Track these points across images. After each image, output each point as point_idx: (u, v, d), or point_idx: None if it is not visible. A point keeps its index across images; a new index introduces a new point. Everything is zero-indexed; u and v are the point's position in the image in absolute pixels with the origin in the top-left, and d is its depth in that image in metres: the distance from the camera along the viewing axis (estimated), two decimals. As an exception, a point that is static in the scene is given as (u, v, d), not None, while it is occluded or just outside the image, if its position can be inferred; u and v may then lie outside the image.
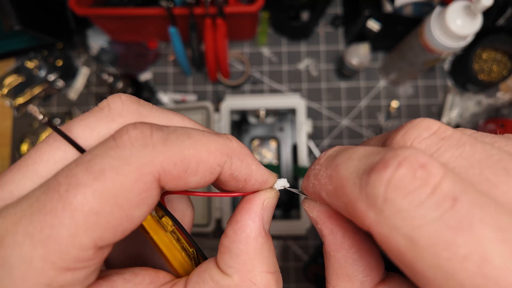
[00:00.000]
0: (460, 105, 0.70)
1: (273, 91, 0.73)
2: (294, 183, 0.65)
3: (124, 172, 0.13)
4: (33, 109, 0.15)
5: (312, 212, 0.17)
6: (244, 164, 0.17)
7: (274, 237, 0.70)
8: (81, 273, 0.13)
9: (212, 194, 0.19)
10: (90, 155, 0.13)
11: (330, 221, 0.17)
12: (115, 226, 0.13)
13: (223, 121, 0.63)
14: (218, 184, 0.18)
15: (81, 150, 0.15)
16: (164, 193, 0.18)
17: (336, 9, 0.75)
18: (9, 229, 0.13)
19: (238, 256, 0.16)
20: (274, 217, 0.65)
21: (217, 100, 0.72)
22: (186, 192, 0.19)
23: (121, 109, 0.16)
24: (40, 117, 0.15)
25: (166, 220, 0.19)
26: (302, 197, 0.23)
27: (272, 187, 0.19)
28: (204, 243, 0.68)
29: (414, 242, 0.10)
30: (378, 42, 0.69)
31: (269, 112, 0.67)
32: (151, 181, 0.14)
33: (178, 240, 0.19)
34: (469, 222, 0.10)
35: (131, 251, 0.21)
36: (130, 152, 0.13)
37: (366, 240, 0.16)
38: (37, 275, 0.12)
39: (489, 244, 0.10)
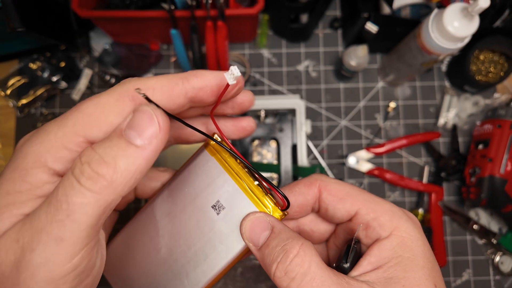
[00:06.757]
0: (457, 105, 0.70)
1: (273, 92, 0.74)
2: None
3: (110, 94, 0.21)
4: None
5: None
6: (198, 75, 0.23)
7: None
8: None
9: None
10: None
11: None
12: (104, 126, 0.20)
13: (223, 121, 0.64)
14: (198, 101, 0.23)
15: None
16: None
17: (335, 12, 0.76)
18: None
19: None
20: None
21: (218, 101, 0.73)
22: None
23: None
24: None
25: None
26: None
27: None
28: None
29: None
30: (376, 44, 0.70)
31: (269, 113, 0.68)
32: (126, 99, 0.21)
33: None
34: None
35: None
36: (115, 87, 0.22)
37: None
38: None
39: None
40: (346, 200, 0.25)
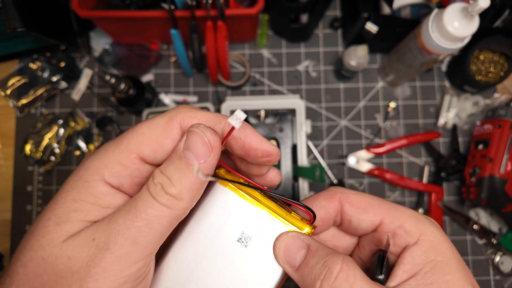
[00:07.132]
0: (457, 105, 0.70)
1: (273, 92, 0.74)
2: (294, 183, 0.66)
3: (162, 117, 0.23)
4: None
5: None
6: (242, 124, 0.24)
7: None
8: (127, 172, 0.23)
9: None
10: None
11: None
12: (154, 145, 0.22)
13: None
14: (228, 146, 0.24)
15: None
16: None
17: (335, 12, 0.76)
18: None
19: None
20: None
21: (218, 101, 0.73)
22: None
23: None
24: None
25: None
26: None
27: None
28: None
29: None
30: (376, 44, 0.70)
31: (269, 112, 0.68)
32: (175, 122, 0.23)
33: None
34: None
35: None
36: (168, 111, 0.24)
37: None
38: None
39: None
40: (369, 211, 0.25)
